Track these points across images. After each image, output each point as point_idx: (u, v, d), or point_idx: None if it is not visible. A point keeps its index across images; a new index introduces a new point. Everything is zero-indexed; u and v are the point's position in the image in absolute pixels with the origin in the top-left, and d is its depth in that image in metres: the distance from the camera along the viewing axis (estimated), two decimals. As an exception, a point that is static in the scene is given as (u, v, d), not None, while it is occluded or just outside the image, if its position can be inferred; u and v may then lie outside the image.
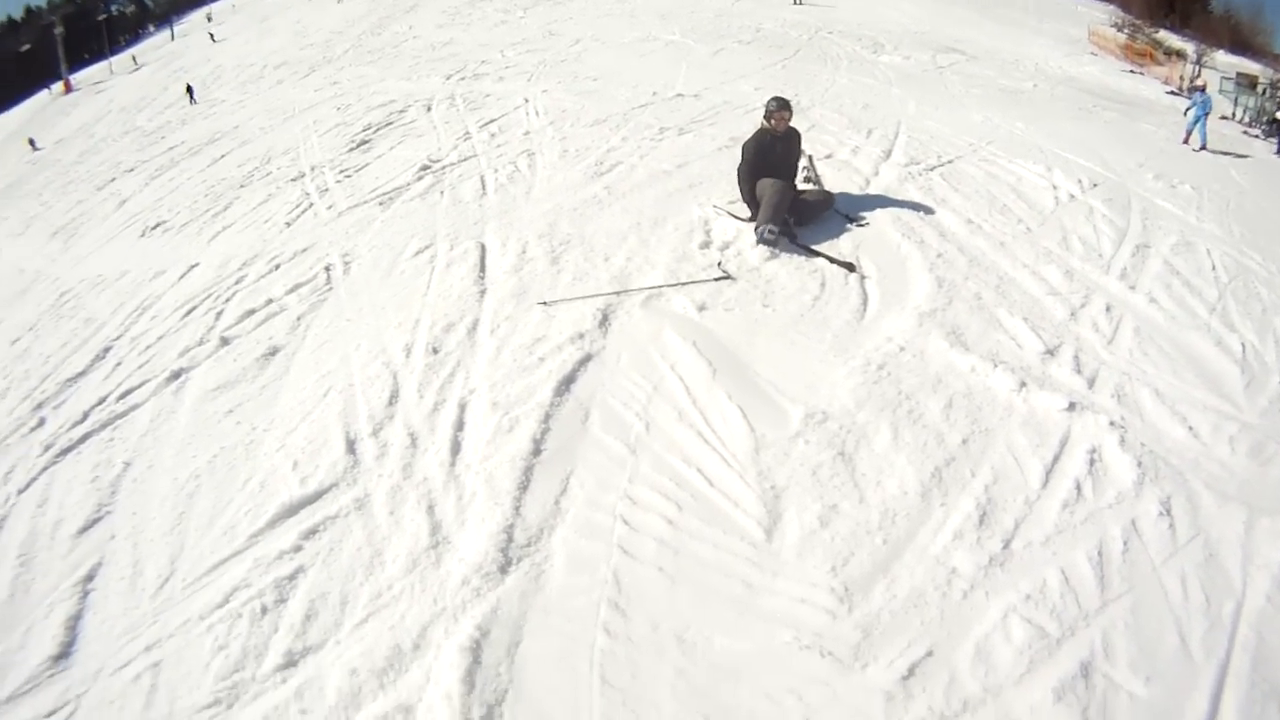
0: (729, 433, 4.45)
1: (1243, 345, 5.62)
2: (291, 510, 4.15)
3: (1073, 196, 8.53)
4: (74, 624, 3.71)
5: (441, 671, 3.16)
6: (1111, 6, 59.15)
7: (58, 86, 53.00)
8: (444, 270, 6.84)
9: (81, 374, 6.29)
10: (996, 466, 4.22)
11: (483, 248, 7.18)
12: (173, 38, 58.57)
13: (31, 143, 34.19)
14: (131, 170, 16.87)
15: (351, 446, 4.61)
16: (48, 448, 5.22)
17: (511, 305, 5.97)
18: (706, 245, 6.77)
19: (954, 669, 3.14)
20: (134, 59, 53.02)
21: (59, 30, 57.58)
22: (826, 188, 7.91)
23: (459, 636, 3.29)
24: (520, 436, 4.45)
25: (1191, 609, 3.43)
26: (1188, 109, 15.62)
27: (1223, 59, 42.62)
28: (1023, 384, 4.89)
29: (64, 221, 14.21)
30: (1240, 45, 58.59)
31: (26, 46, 69.58)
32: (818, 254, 6.61)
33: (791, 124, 7.47)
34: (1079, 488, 4.07)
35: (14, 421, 5.75)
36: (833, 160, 9.20)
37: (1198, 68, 29.02)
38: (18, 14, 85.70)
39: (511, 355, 5.30)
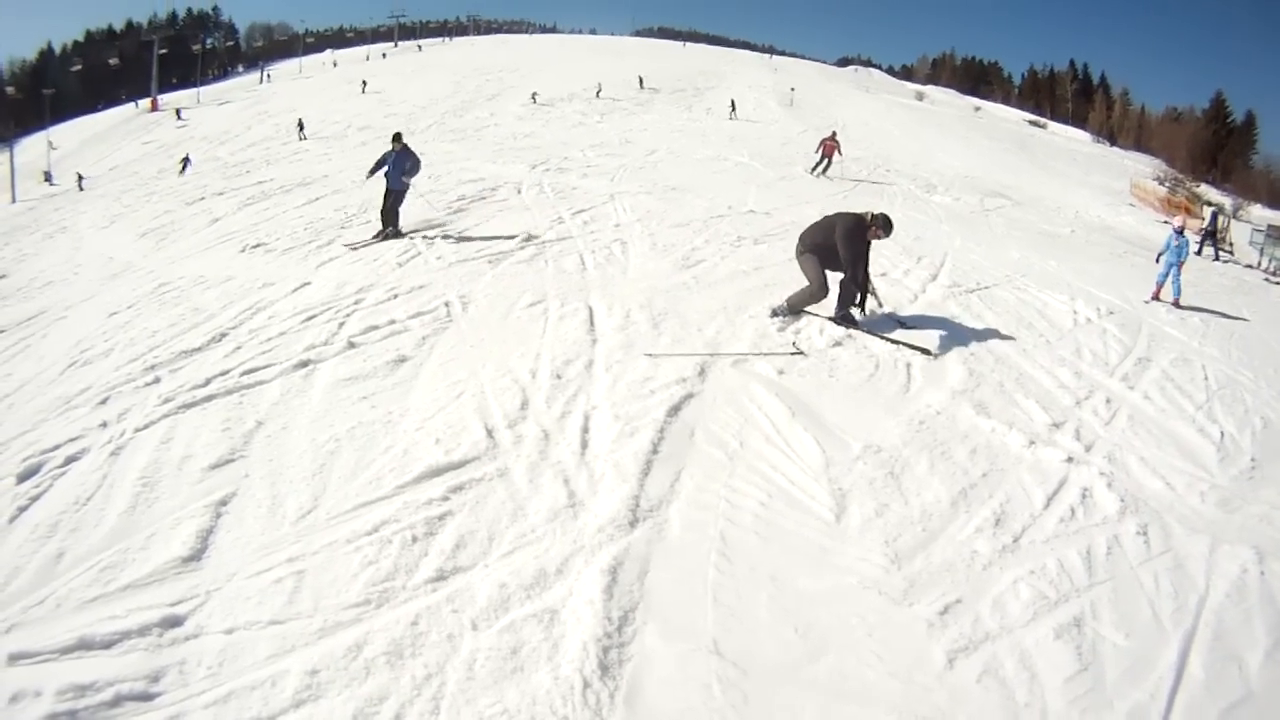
0: (805, 453, 5.61)
1: (1221, 433, 6.84)
2: (437, 472, 5.09)
3: (1089, 320, 9.80)
4: (206, 536, 4.42)
5: (584, 586, 4.12)
6: (1157, 161, 61.08)
7: (144, 103, 55.42)
8: (557, 321, 7.97)
9: (197, 349, 7.31)
10: (1009, 492, 5.40)
11: (590, 308, 8.33)
12: (261, 81, 61.39)
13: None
14: (221, 194, 18.53)
15: (490, 434, 5.63)
16: (167, 400, 6.18)
17: (621, 353, 7.11)
18: (783, 329, 7.94)
19: (978, 612, 4.24)
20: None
21: (161, 50, 60.47)
22: (880, 301, 9.03)
23: (599, 564, 4.30)
24: (640, 440, 5.57)
25: (1162, 595, 4.54)
26: (1159, 255, 12.92)
27: (1258, 213, 43.83)
28: (1032, 442, 6.10)
29: (153, 225, 15.75)
30: (1278, 199, 60.07)
31: (115, 60, 72.32)
32: (897, 342, 7.83)
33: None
34: (1073, 511, 5.25)
35: (123, 375, 6.77)
36: (886, 278, 10.46)
37: (1229, 219, 30.24)
38: (119, 23, 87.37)
39: (626, 386, 6.42)
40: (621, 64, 57.79)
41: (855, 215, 8.25)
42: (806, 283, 8.23)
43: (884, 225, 8.09)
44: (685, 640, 3.84)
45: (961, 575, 4.52)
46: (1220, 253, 22.91)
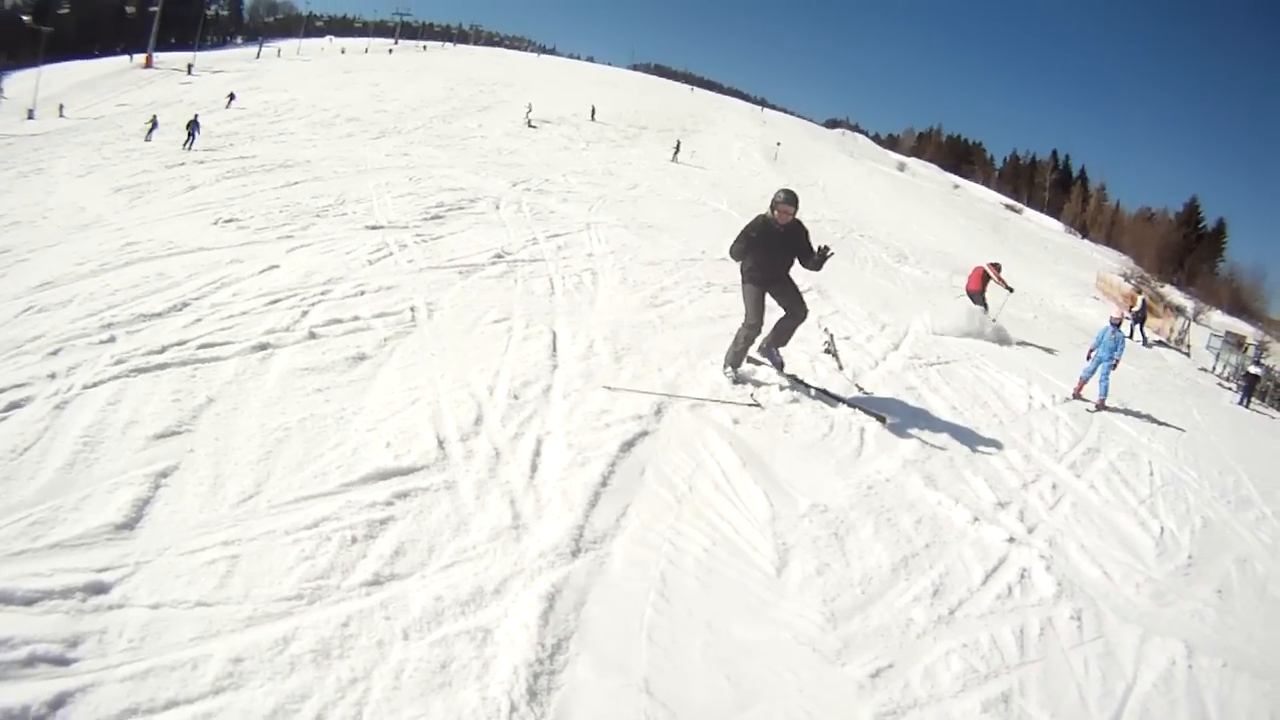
0: (753, 504, 5.61)
1: (1162, 528, 7.01)
2: (384, 475, 4.99)
3: (1044, 406, 10.02)
4: (142, 506, 4.30)
5: (520, 610, 4.06)
6: (1125, 258, 62.71)
7: (139, 58, 55.18)
8: (521, 341, 7.94)
9: (157, 315, 7.17)
10: (949, 565, 5.45)
11: (554, 333, 8.34)
12: (258, 55, 61.09)
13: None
14: (202, 163, 18.51)
15: (441, 444, 5.55)
16: (120, 361, 6.03)
17: (580, 383, 7.09)
18: (741, 382, 7.90)
19: (908, 679, 4.26)
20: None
21: (156, 8, 60.47)
22: (842, 365, 9.16)
23: (537, 589, 4.24)
24: (591, 471, 5.53)
25: (1091, 680, 4.62)
26: (1091, 349, 11.89)
27: (1218, 318, 45.05)
28: (976, 519, 6.16)
29: (129, 182, 15.72)
30: (1238, 307, 62.23)
31: (131, 10, 71.61)
32: (853, 405, 7.86)
33: (797, 220, 7.58)
34: (1010, 590, 5.32)
35: (79, 329, 6.60)
36: (850, 342, 10.66)
37: (1188, 322, 31.29)
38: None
39: (582, 416, 6.40)
40: (614, 94, 58.39)
41: (757, 217, 7.65)
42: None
43: (786, 200, 7.44)
44: (617, 676, 3.80)
45: (895, 641, 4.54)
46: (1145, 337, 24.51)
